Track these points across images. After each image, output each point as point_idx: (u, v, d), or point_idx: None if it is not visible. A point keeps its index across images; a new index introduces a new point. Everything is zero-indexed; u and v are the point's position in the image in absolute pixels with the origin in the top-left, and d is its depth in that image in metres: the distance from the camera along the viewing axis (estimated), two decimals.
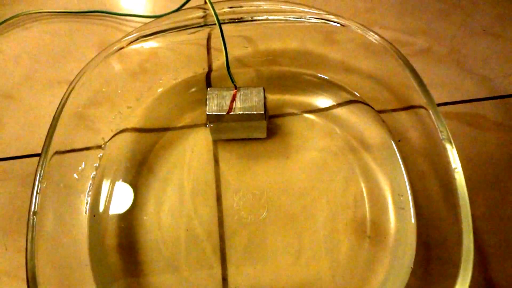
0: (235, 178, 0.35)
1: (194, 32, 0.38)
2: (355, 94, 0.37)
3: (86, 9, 0.48)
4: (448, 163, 0.27)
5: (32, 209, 0.26)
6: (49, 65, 0.44)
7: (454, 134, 0.36)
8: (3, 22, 0.48)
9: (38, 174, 0.27)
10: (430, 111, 0.29)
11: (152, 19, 0.46)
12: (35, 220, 0.25)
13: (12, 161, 0.39)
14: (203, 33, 0.40)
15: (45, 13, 0.48)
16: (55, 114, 0.29)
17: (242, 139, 0.36)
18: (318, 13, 0.34)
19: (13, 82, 0.43)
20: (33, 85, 0.43)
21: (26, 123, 0.40)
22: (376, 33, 0.33)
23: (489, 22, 0.45)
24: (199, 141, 0.36)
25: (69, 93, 0.30)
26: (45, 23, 0.48)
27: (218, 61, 0.41)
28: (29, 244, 0.24)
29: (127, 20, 0.47)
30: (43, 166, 0.27)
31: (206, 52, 0.41)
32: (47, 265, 0.25)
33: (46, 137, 0.28)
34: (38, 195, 0.26)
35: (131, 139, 0.36)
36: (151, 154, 0.36)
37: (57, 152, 0.28)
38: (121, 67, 0.35)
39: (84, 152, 0.32)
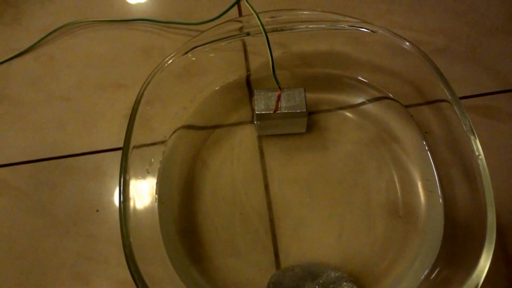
0: (280, 168, 0.39)
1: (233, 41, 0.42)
2: (383, 91, 0.42)
3: (129, 18, 0.52)
4: (471, 151, 0.31)
5: (121, 198, 0.30)
6: (99, 69, 0.48)
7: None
8: (53, 32, 0.52)
9: (123, 167, 0.31)
10: (454, 106, 0.33)
11: (191, 26, 0.50)
12: (124, 207, 0.30)
13: (75, 157, 0.43)
14: (238, 41, 0.44)
15: (91, 22, 0.52)
16: (131, 114, 0.34)
17: (284, 134, 0.41)
18: (352, 21, 0.38)
19: (68, 86, 0.47)
20: (87, 88, 0.47)
21: (84, 123, 0.44)
22: (403, 37, 0.37)
23: (502, 20, 0.49)
24: (245, 137, 0.41)
25: (141, 97, 0.34)
26: (92, 31, 0.52)
27: (255, 64, 0.45)
28: (123, 226, 0.29)
29: (167, 27, 0.51)
30: (126, 160, 0.32)
31: (243, 57, 0.46)
32: (134, 244, 0.30)
33: (126, 134, 0.33)
34: (125, 186, 0.31)
35: (186, 135, 0.41)
36: (204, 149, 0.40)
37: (134, 147, 0.33)
38: (176, 73, 0.40)
39: (151, 148, 0.37)
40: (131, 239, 0.29)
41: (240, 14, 0.51)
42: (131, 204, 0.32)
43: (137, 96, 0.35)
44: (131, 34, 0.51)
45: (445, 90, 0.34)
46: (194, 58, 0.38)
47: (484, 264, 0.27)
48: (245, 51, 0.46)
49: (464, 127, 0.32)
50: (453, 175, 0.35)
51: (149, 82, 0.35)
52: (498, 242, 0.35)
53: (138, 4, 0.53)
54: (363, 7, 0.51)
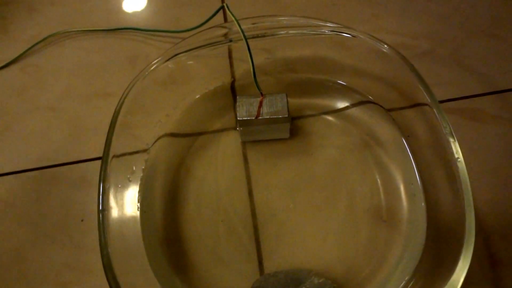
0: (264, 174, 0.39)
1: (218, 47, 0.42)
2: (366, 95, 0.42)
3: (115, 27, 0.52)
4: (451, 154, 0.31)
5: (100, 207, 0.30)
6: (85, 79, 0.48)
7: (457, 128, 0.40)
8: (40, 42, 0.52)
9: (102, 176, 0.31)
10: (434, 110, 0.33)
11: (176, 33, 0.50)
12: (103, 216, 0.30)
13: (60, 167, 0.43)
14: (224, 47, 0.44)
15: (78, 32, 0.53)
16: (111, 122, 0.34)
17: (268, 140, 0.41)
18: (333, 26, 0.38)
19: (54, 96, 0.47)
20: (73, 98, 0.47)
21: (70, 132, 0.44)
22: (383, 41, 0.37)
23: (487, 23, 0.49)
24: (229, 143, 0.41)
25: (121, 106, 0.34)
26: (78, 40, 0.52)
27: (240, 71, 0.45)
28: (101, 235, 0.29)
29: (153, 35, 0.51)
30: (105, 169, 0.31)
31: (228, 63, 0.46)
32: (114, 253, 0.30)
33: (106, 143, 0.33)
34: (104, 195, 0.30)
35: (170, 143, 0.41)
36: (188, 156, 0.40)
37: (114, 156, 0.33)
38: (159, 81, 0.40)
39: (133, 156, 0.37)
40: (109, 249, 0.28)
41: (225, 20, 0.51)
42: (112, 213, 0.31)
43: (117, 104, 0.35)
44: (117, 43, 0.51)
45: (425, 93, 0.34)
46: (170, 66, 0.38)
47: (463, 266, 0.27)
48: (230, 57, 0.46)
49: (444, 130, 0.32)
50: (435, 178, 0.35)
51: (129, 90, 0.35)
52: (483, 245, 0.35)
53: (124, 13, 0.54)
54: (349, 12, 0.51)
